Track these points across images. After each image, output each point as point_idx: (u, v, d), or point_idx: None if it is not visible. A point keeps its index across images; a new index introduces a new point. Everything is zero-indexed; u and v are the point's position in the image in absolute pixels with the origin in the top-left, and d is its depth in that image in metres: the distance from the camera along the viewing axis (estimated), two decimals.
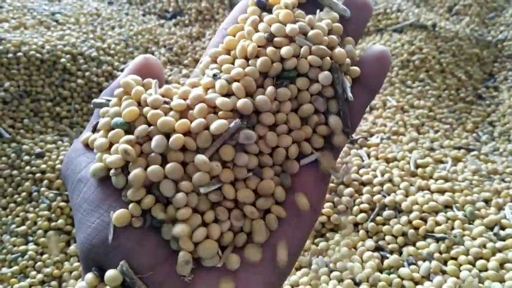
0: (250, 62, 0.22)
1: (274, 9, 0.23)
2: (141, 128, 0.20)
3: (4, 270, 0.43)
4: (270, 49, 0.22)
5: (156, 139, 0.20)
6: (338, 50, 0.22)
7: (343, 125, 0.22)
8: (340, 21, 0.23)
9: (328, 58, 0.22)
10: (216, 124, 0.20)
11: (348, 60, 0.22)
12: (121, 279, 0.19)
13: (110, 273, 0.19)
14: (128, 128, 0.21)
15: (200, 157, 0.19)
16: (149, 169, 0.19)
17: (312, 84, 0.22)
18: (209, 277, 0.20)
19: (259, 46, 0.22)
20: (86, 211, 0.20)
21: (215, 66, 0.23)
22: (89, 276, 0.19)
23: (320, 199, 0.22)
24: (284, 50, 0.22)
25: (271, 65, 0.22)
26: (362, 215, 0.42)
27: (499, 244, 0.38)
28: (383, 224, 0.41)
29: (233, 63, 0.22)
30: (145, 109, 0.21)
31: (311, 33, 0.22)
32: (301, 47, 0.22)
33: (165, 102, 0.21)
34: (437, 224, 0.40)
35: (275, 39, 0.22)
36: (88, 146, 0.22)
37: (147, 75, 0.23)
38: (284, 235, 0.21)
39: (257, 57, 0.22)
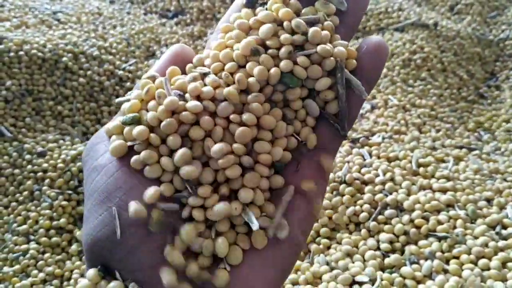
0: (247, 66, 0.22)
1: (270, 3, 0.23)
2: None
3: (6, 269, 0.43)
4: (264, 56, 0.21)
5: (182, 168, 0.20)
6: (339, 47, 0.22)
7: (340, 127, 0.22)
8: (336, 14, 0.23)
9: (331, 58, 0.21)
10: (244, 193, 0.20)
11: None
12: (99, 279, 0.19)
13: (90, 272, 0.19)
14: (139, 120, 0.21)
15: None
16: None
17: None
18: None
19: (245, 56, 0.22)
20: (96, 201, 0.20)
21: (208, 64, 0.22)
22: (91, 272, 0.19)
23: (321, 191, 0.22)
24: (283, 65, 0.21)
25: (268, 73, 0.21)
26: (364, 214, 0.42)
27: (501, 243, 0.38)
28: (385, 223, 0.41)
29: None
30: (159, 109, 0.20)
31: (311, 31, 0.21)
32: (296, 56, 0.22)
33: (180, 96, 0.21)
34: (439, 223, 0.40)
35: (268, 42, 0.22)
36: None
37: (182, 64, 0.23)
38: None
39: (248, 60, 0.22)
